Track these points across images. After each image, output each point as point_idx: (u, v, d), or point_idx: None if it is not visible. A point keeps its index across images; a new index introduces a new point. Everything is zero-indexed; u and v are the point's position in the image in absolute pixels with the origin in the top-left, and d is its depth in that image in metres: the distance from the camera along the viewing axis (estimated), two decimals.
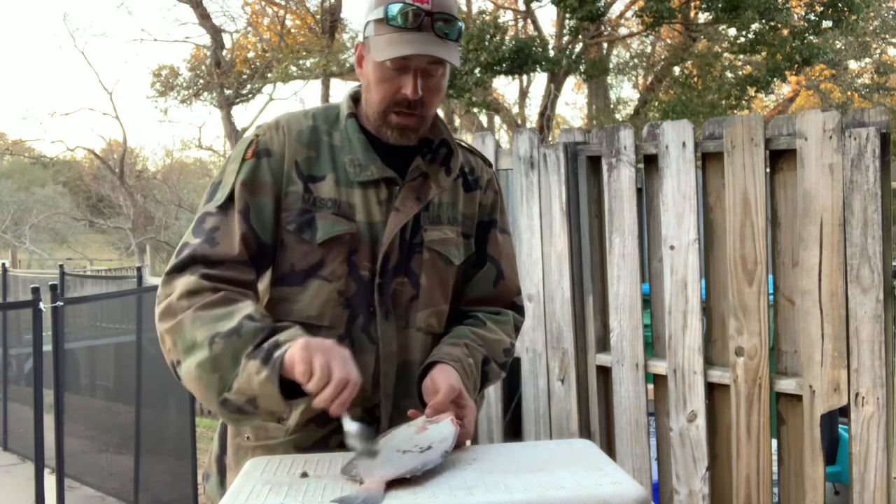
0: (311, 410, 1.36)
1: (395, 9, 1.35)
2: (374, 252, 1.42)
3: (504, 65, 11.47)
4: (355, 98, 1.51)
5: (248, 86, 18.56)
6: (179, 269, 1.35)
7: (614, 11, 14.17)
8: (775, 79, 12.45)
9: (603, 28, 14.05)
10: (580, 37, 12.97)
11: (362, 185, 1.43)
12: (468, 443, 1.27)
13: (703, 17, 13.82)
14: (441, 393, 1.29)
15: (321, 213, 1.41)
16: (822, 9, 11.63)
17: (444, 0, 1.38)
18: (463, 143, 1.61)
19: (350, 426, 1.19)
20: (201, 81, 19.09)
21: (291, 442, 1.40)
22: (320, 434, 1.40)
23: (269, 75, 17.29)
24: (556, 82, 13.34)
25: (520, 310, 1.63)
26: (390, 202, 1.44)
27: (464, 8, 15.32)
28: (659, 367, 2.75)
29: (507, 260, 1.60)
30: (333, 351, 1.20)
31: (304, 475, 1.15)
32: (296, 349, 1.19)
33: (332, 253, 1.40)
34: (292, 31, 17.87)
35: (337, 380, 1.17)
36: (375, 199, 1.43)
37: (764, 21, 11.23)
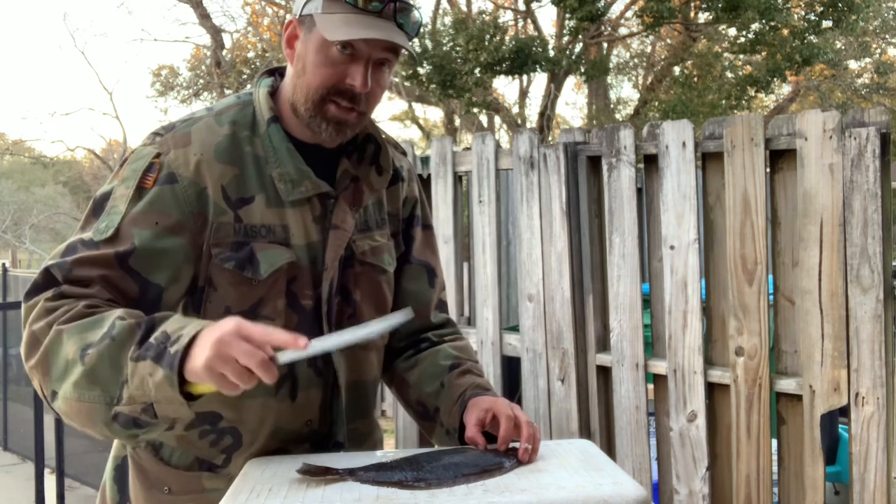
0: (255, 452, 1.26)
1: None
2: (315, 277, 1.26)
3: (504, 65, 11.47)
4: (272, 93, 1.29)
5: (248, 86, 18.55)
6: (34, 292, 1.15)
7: (614, 11, 14.17)
8: (775, 79, 12.45)
9: (603, 28, 14.04)
10: (580, 37, 12.96)
11: (294, 204, 1.24)
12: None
13: (703, 17, 13.82)
14: (505, 427, 1.20)
15: (258, 244, 1.22)
16: (822, 9, 11.62)
17: None
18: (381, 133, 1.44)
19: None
20: (201, 81, 19.08)
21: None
22: None
23: None
24: (556, 82, 13.34)
25: (446, 306, 1.51)
26: (325, 218, 1.27)
27: (464, 8, 15.31)
28: (659, 367, 2.75)
29: (433, 256, 1.49)
30: (233, 346, 1.00)
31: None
32: (199, 365, 1.00)
33: (273, 287, 1.23)
34: None
35: (263, 376, 1.01)
36: (310, 216, 1.26)
37: (764, 21, 11.22)
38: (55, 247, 1.23)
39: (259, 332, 1.02)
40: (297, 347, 1.02)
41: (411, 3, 1.22)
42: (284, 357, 1.03)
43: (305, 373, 1.28)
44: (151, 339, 1.05)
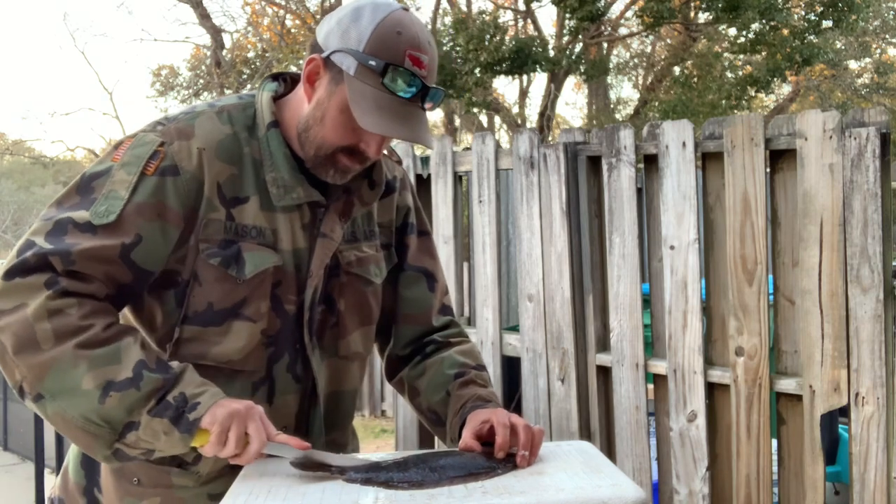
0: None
1: (397, 76, 1.17)
2: (300, 283, 1.28)
3: (504, 65, 11.46)
4: (276, 98, 1.30)
5: (248, 86, 18.57)
6: (22, 273, 1.11)
7: (614, 11, 14.17)
8: (775, 79, 12.45)
9: (603, 28, 14.04)
10: (580, 37, 12.96)
11: (284, 209, 1.26)
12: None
13: (703, 17, 13.82)
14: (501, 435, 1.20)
15: (246, 244, 1.23)
16: (822, 9, 11.62)
17: (434, 65, 1.22)
18: None
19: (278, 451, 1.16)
20: (201, 81, 19.09)
21: (204, 492, 1.27)
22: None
23: None
24: (556, 82, 13.34)
25: (450, 310, 1.51)
26: (314, 226, 1.29)
27: (464, 8, 15.32)
28: (659, 367, 2.75)
29: (432, 261, 1.49)
30: (250, 417, 1.13)
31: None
32: (210, 419, 1.11)
33: (258, 289, 1.24)
34: (292, 31, 17.87)
35: (252, 452, 1.13)
36: (299, 223, 1.27)
37: (764, 21, 11.22)
38: None
39: (271, 425, 1.17)
40: (301, 447, 1.15)
41: (437, 86, 1.23)
42: (272, 449, 1.16)
43: (284, 377, 1.29)
44: (170, 399, 1.12)
